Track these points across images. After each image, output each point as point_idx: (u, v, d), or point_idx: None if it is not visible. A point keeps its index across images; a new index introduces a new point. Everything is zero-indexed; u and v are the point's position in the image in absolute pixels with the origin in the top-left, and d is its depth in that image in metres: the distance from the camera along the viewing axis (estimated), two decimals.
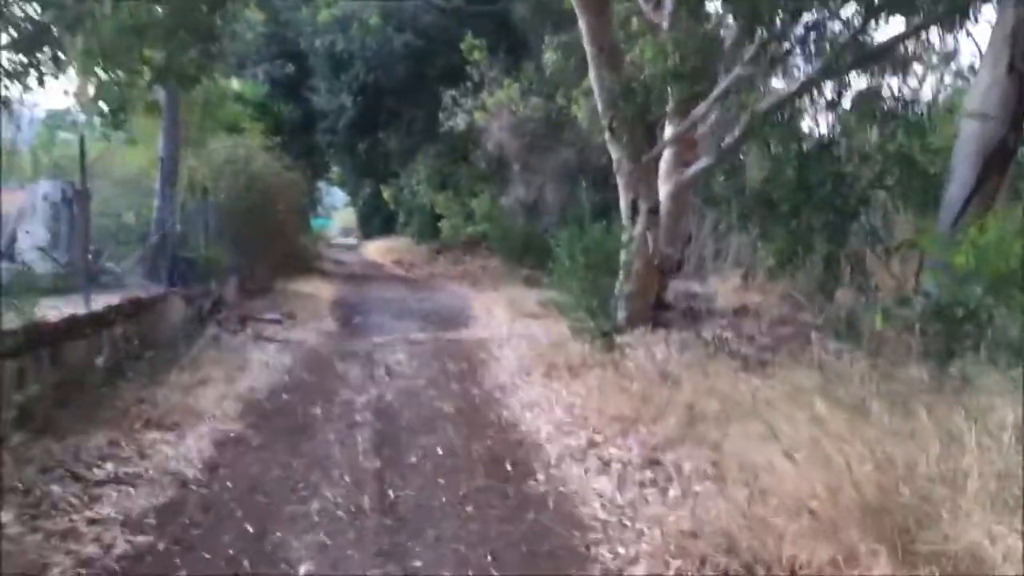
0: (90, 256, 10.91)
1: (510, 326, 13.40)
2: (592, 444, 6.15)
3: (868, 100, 9.45)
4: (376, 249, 41.12)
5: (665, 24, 10.29)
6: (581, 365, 9.14)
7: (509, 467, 5.77)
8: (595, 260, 9.15)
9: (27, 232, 10.20)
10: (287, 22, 24.56)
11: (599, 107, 10.13)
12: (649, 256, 10.07)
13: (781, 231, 9.08)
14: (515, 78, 19.48)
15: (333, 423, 6.95)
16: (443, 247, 34.98)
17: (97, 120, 20.38)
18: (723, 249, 19.31)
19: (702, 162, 10.24)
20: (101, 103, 10.17)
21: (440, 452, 6.11)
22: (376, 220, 49.21)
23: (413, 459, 5.91)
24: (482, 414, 7.43)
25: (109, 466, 5.29)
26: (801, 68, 9.92)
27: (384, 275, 28.25)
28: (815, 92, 9.29)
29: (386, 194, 43.45)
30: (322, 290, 19.57)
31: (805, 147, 9.13)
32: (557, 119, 19.82)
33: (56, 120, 21.10)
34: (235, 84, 21.52)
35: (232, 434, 6.45)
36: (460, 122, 19.78)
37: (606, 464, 5.68)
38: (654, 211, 10.12)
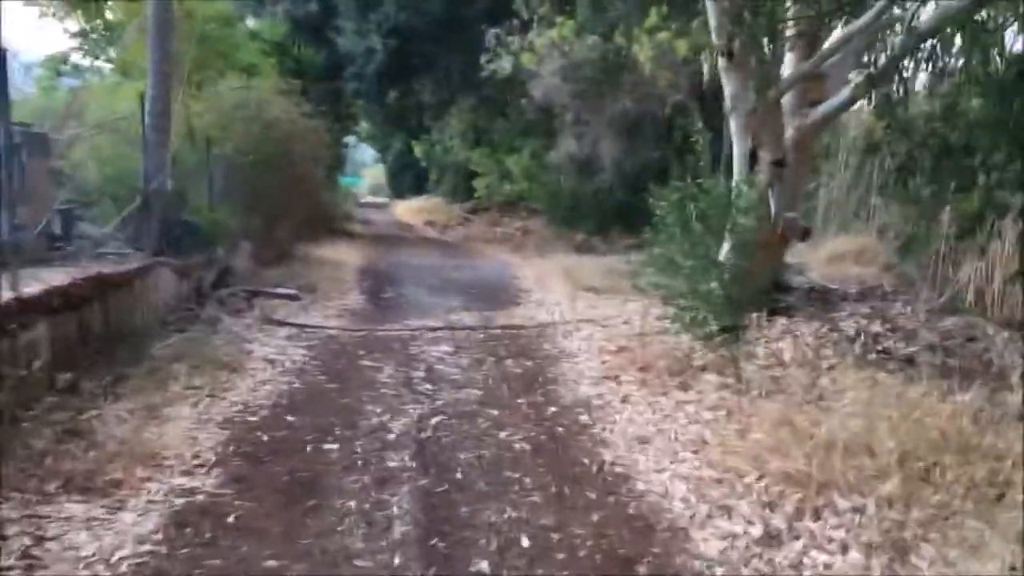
0: (56, 217, 8.75)
1: (572, 304, 11.07)
2: (771, 536, 3.79)
3: None
4: (407, 209, 39.05)
5: None
6: (687, 367, 6.80)
7: None
8: (716, 227, 6.72)
9: None
10: None
11: (712, 25, 7.64)
12: (772, 221, 7.65)
13: (969, 185, 6.60)
14: (569, 14, 16.88)
15: (355, 474, 4.63)
16: (477, 207, 32.76)
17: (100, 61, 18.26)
18: (810, 209, 16.76)
19: (839, 97, 7.75)
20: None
21: (526, 545, 3.78)
22: (407, 178, 47.12)
23: (484, 565, 3.59)
24: (572, 456, 5.07)
25: None
26: None
27: (416, 237, 26.00)
28: None
29: (417, 150, 41.29)
30: (349, 255, 17.36)
31: (1005, 68, 6.58)
32: (616, 62, 17.25)
33: (54, 64, 18.80)
34: (250, 23, 19.12)
35: (199, 499, 4.16)
36: (505, 65, 17.24)
37: None
38: (779, 163, 7.65)
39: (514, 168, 28.02)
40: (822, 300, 8.42)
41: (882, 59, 7.28)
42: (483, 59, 17.46)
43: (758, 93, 7.35)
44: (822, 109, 8.02)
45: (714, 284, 6.51)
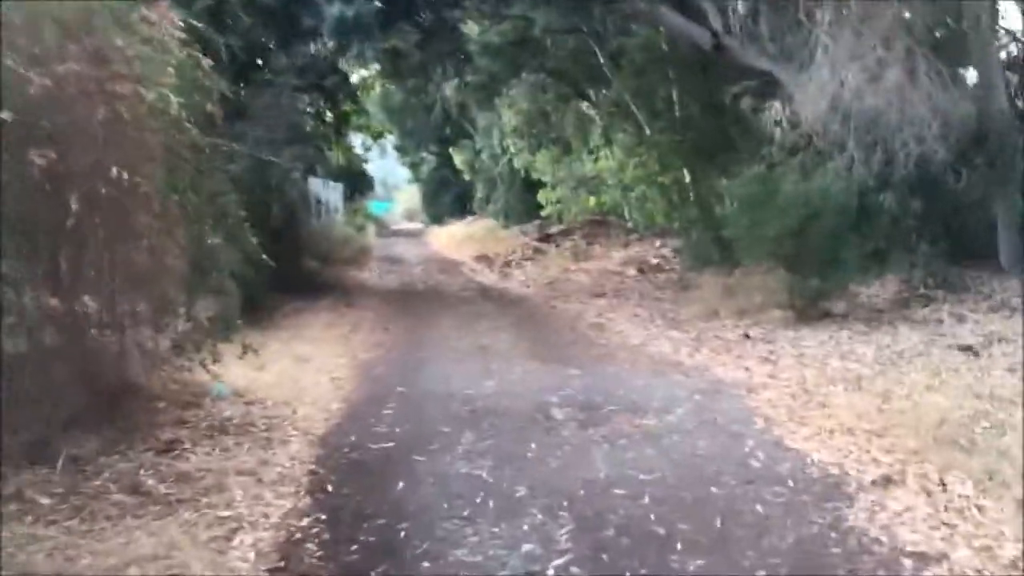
0: None
1: None
2: None
3: None
4: (448, 238, 29.15)
5: None
6: None
7: None
8: None
9: None
10: None
11: None
12: None
13: None
14: None
15: None
16: (546, 232, 22.72)
17: None
18: None
19: None
20: None
21: None
22: (445, 198, 37.13)
23: None
24: None
25: None
26: None
27: (464, 288, 15.68)
28: None
29: (458, 160, 31.44)
30: (332, 357, 7.59)
31: None
32: None
33: None
34: None
35: None
36: None
37: None
38: None
39: (625, 162, 18.30)
40: None
41: None
42: None
43: None
44: None
45: None
